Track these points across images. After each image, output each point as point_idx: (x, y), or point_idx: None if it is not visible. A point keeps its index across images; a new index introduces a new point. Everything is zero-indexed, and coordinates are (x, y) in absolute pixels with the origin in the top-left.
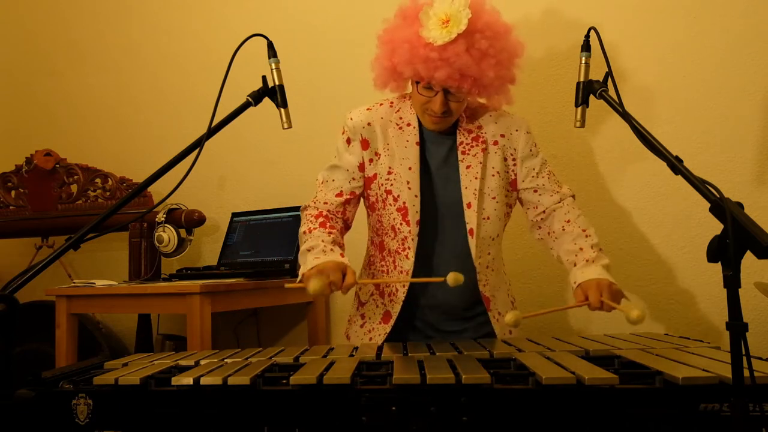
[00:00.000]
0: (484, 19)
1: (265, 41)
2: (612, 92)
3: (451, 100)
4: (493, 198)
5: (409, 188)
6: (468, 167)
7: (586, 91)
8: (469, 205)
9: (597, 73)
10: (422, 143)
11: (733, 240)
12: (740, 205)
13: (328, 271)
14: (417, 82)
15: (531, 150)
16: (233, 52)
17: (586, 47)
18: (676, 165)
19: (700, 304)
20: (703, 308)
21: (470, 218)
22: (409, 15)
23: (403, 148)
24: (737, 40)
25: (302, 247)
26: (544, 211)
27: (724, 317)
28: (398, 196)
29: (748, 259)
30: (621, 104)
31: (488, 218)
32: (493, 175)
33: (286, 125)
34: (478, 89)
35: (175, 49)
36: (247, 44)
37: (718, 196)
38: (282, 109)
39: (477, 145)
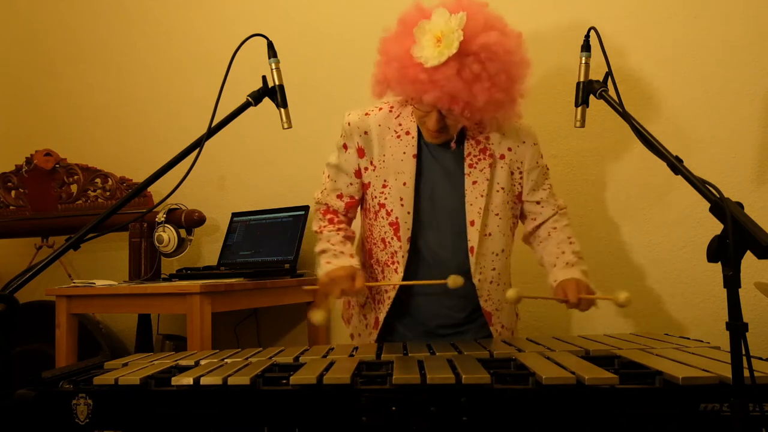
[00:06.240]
0: (480, 41)
1: (265, 41)
2: (612, 92)
3: (447, 117)
4: (497, 215)
5: (402, 205)
6: (474, 183)
7: (586, 91)
8: (472, 223)
9: (598, 73)
10: (423, 153)
11: (733, 240)
12: (740, 205)
13: (338, 279)
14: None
15: (537, 162)
16: (233, 52)
17: (586, 47)
18: (676, 165)
19: (700, 304)
20: (703, 308)
21: (472, 236)
22: (408, 26)
23: (399, 161)
24: (737, 40)
25: (316, 248)
26: (542, 223)
27: (724, 317)
28: (391, 210)
29: (748, 259)
30: (621, 104)
31: (490, 234)
32: (498, 191)
33: (286, 125)
34: (471, 112)
35: (175, 49)
36: (247, 44)
37: (718, 196)
38: (282, 109)
39: (484, 159)
